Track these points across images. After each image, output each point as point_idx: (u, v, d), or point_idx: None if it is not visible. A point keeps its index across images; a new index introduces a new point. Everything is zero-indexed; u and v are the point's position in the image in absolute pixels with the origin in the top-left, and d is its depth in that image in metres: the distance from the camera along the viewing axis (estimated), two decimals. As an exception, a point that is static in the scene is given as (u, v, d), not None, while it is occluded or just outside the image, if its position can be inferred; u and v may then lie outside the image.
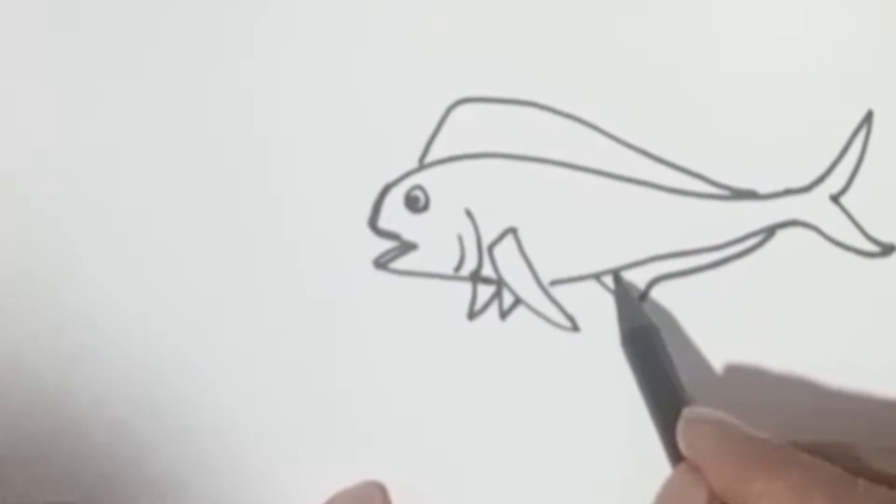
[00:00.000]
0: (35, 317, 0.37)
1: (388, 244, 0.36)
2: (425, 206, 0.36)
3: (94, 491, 0.37)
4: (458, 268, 0.36)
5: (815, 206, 0.35)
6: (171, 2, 0.37)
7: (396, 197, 0.36)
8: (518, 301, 0.36)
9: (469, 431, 0.36)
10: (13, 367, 0.37)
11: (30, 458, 0.37)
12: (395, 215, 0.36)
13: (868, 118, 0.34)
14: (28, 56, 0.37)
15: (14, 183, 0.37)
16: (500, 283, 0.36)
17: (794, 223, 0.35)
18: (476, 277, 0.36)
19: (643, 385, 0.33)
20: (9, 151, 0.37)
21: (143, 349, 0.37)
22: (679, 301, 0.35)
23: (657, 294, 0.35)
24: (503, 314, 0.36)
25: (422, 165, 0.36)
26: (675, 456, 0.31)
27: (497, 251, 0.36)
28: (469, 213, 0.36)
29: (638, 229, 0.35)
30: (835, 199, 0.35)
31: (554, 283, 0.36)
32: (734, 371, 0.35)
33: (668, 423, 0.32)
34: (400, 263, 0.36)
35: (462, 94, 0.36)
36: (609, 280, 0.35)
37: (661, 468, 0.31)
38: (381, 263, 0.36)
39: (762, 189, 0.35)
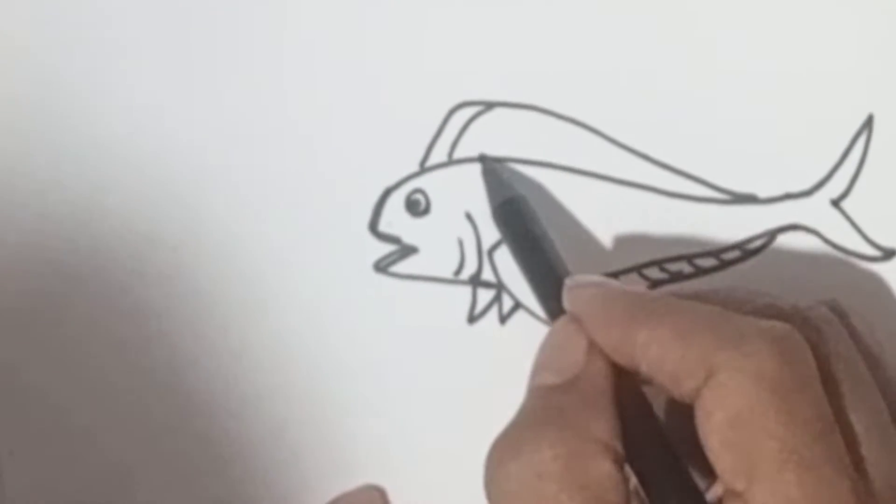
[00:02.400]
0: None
1: (388, 248, 0.36)
2: (426, 210, 0.36)
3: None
4: (458, 271, 0.36)
5: (815, 211, 0.35)
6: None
7: (397, 200, 0.36)
8: (518, 305, 0.36)
9: (469, 435, 0.36)
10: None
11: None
12: (395, 219, 0.36)
13: (869, 122, 0.34)
14: None
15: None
16: (499, 287, 0.36)
17: (794, 227, 0.35)
18: (476, 281, 0.36)
19: (520, 257, 0.34)
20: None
21: (147, 353, 0.37)
22: (679, 305, 0.35)
23: (657, 298, 0.35)
24: (503, 318, 0.36)
25: (423, 169, 0.36)
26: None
27: (497, 255, 0.36)
28: (469, 217, 0.36)
29: (638, 233, 0.35)
30: (836, 203, 0.35)
31: (554, 287, 0.36)
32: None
33: (549, 291, 0.32)
34: (400, 267, 0.36)
35: (463, 98, 0.36)
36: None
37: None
38: (382, 267, 0.36)
39: (763, 193, 0.35)
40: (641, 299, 0.30)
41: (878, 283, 0.35)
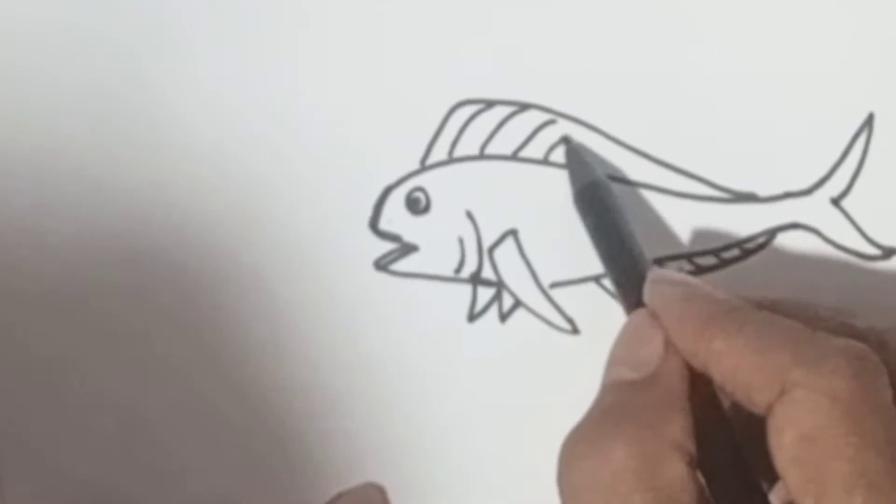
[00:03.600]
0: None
1: (388, 246, 0.36)
2: (426, 208, 0.36)
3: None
4: (459, 270, 0.36)
5: (815, 209, 0.35)
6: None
7: (397, 198, 0.36)
8: (518, 303, 0.36)
9: (468, 433, 0.36)
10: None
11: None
12: (396, 217, 0.36)
13: (869, 121, 0.34)
14: None
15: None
16: (500, 286, 0.36)
17: (794, 226, 0.35)
18: (476, 279, 0.36)
19: (599, 242, 0.33)
20: None
21: (146, 351, 0.37)
22: (679, 304, 0.35)
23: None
24: (503, 316, 0.36)
25: (423, 167, 0.36)
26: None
27: (497, 253, 0.36)
28: (470, 215, 0.36)
29: (638, 232, 0.35)
30: (835, 202, 0.35)
31: (554, 285, 0.36)
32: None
33: (629, 282, 0.32)
34: (400, 265, 0.36)
35: (463, 96, 0.36)
36: (609, 283, 0.35)
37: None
38: (382, 265, 0.36)
39: (763, 192, 0.35)
40: (722, 306, 0.29)
41: (878, 281, 0.35)
